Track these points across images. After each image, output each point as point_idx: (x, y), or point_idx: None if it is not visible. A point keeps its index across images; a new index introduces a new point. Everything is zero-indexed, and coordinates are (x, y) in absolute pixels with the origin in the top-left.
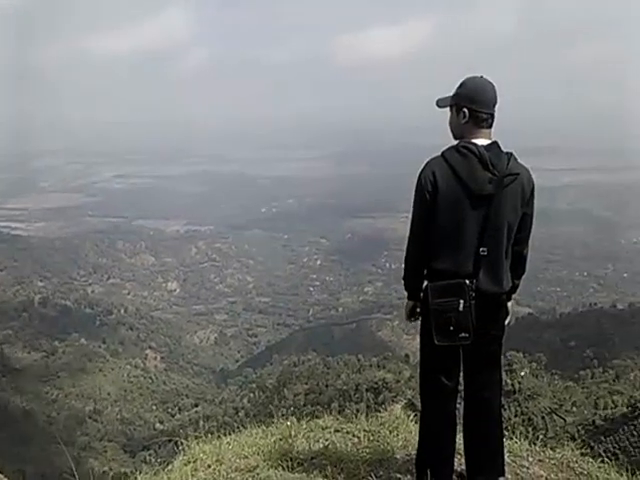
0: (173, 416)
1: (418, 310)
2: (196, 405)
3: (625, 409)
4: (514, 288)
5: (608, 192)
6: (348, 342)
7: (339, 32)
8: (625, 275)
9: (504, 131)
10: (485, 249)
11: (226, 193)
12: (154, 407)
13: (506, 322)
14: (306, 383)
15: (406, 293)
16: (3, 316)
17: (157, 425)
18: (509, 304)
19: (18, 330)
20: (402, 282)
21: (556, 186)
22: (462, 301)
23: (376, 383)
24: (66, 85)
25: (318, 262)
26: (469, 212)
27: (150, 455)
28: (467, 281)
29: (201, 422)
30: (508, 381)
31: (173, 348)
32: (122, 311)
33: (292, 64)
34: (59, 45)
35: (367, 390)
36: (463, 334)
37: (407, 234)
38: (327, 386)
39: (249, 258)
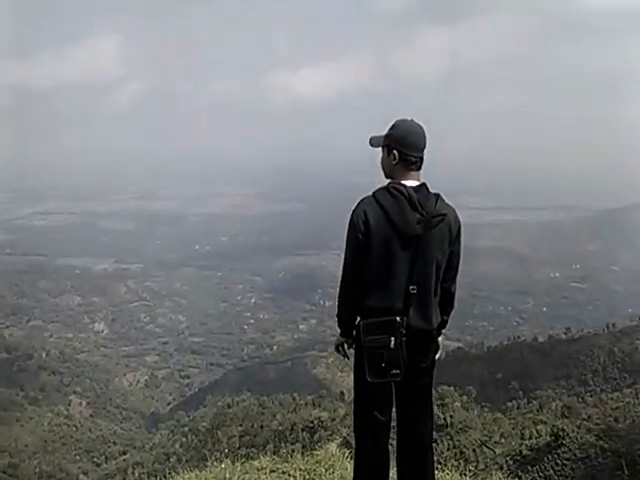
0: (99, 466)
1: (346, 346)
2: (124, 452)
3: (549, 438)
4: (443, 324)
5: (526, 230)
6: (283, 381)
7: (274, 69)
8: (544, 309)
9: (432, 172)
10: (415, 287)
11: (157, 230)
12: (78, 457)
13: (437, 356)
14: (241, 425)
15: (339, 330)
16: None
17: (81, 477)
18: (440, 339)
19: None
20: (335, 319)
21: (479, 224)
22: (393, 338)
23: (312, 422)
24: None
25: (252, 300)
26: (399, 252)
27: None
28: (398, 318)
29: (129, 470)
30: (440, 415)
31: (100, 392)
32: (43, 355)
33: (224, 101)
34: None
35: (303, 430)
36: (394, 371)
37: (340, 272)
38: (262, 427)
39: (181, 297)
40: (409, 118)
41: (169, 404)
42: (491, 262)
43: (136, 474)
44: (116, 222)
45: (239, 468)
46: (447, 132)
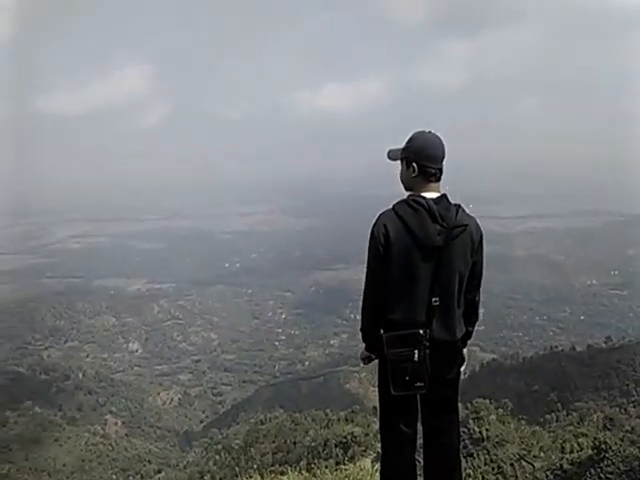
0: None
1: (373, 357)
2: (159, 471)
3: (590, 451)
4: (468, 335)
5: (561, 237)
6: (315, 396)
7: (295, 88)
8: (582, 318)
9: (460, 180)
10: (437, 299)
11: (186, 249)
12: (114, 476)
13: (462, 368)
14: (274, 441)
15: (363, 344)
16: None
17: None
18: (464, 350)
19: None
20: (359, 333)
21: (512, 233)
22: (417, 351)
23: (345, 437)
24: (19, 144)
25: (283, 316)
26: (420, 264)
27: None
28: (421, 331)
29: None
30: (475, 429)
31: (135, 412)
32: (80, 375)
33: (249, 120)
34: (17, 105)
35: (336, 446)
36: (419, 383)
37: (363, 286)
38: (295, 443)
39: (213, 315)
40: (427, 130)
41: (202, 422)
42: (525, 270)
43: None
44: (147, 242)
45: None
46: (474, 141)
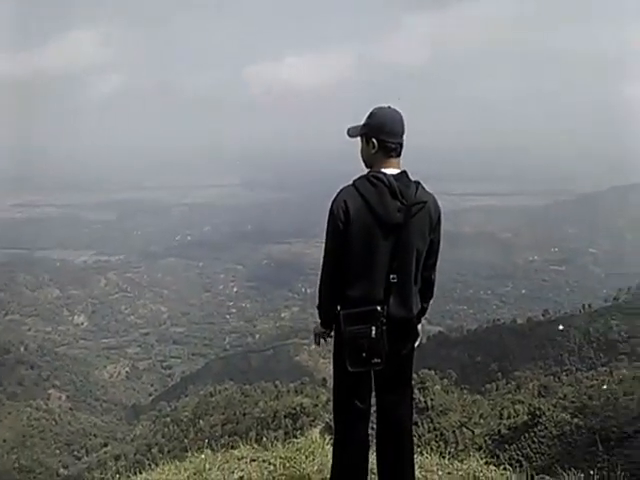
0: (79, 459)
1: (326, 337)
2: (105, 445)
3: (526, 417)
4: (423, 311)
5: (508, 215)
6: (266, 369)
7: (258, 60)
8: (523, 292)
9: (415, 158)
10: (395, 276)
11: (138, 222)
12: (57, 451)
13: (416, 344)
14: (223, 413)
15: (319, 320)
16: None
17: (61, 470)
18: (419, 326)
19: None
20: (316, 310)
21: (460, 209)
22: (374, 328)
23: (294, 409)
24: None
25: (234, 289)
26: (379, 241)
27: None
28: (378, 308)
29: (110, 463)
30: (421, 398)
31: (80, 385)
32: (22, 349)
33: (207, 92)
34: None
35: (285, 417)
36: (375, 360)
37: (321, 262)
38: (244, 415)
39: (163, 287)
40: (386, 105)
41: (151, 395)
42: (473, 247)
43: (116, 467)
44: (97, 214)
45: (219, 458)
46: (434, 117)
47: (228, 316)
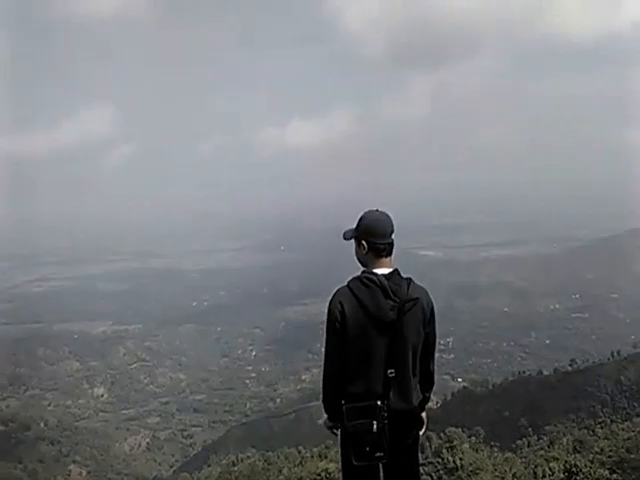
0: None
1: (336, 431)
2: None
3: (562, 475)
4: (425, 400)
5: (523, 264)
6: (288, 434)
7: (260, 124)
8: (547, 342)
9: (425, 211)
10: (393, 371)
11: (153, 289)
12: None
13: (421, 432)
14: None
15: (326, 415)
16: None
17: None
18: (423, 414)
19: None
20: (322, 404)
21: (475, 261)
22: (375, 422)
23: (319, 475)
24: None
25: (253, 353)
26: (375, 338)
27: None
28: (379, 402)
29: None
30: (449, 458)
31: (100, 460)
32: (42, 425)
33: (214, 159)
34: None
35: None
36: (378, 454)
37: (322, 360)
38: None
39: (181, 355)
40: (375, 208)
41: (172, 466)
42: (490, 298)
43: None
44: (113, 283)
45: None
46: (439, 169)
47: (248, 381)
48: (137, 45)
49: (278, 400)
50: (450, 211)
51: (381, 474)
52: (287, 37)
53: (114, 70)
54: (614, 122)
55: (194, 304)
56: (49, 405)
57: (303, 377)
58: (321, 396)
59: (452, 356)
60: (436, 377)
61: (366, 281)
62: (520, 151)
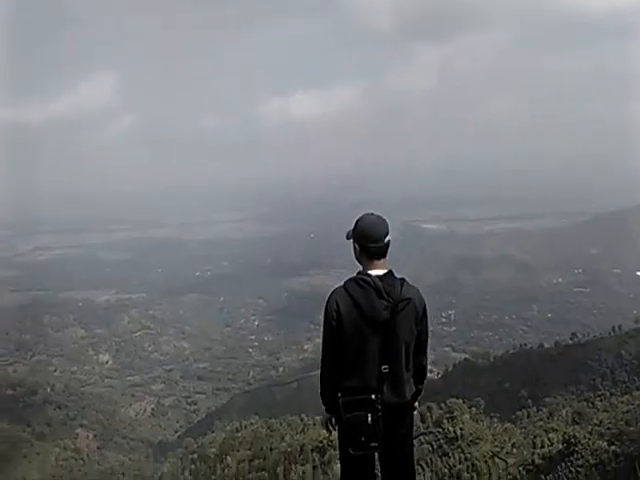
0: None
1: (333, 422)
2: None
3: (561, 446)
4: (418, 392)
5: (527, 238)
6: (290, 402)
7: (265, 95)
8: (549, 315)
9: (429, 184)
10: (386, 367)
11: (156, 259)
12: None
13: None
14: (250, 449)
15: (324, 407)
16: None
17: None
18: (416, 404)
19: None
20: (320, 398)
21: (478, 234)
22: (370, 414)
23: (321, 442)
24: None
25: (256, 323)
26: (370, 336)
27: None
28: (373, 396)
29: None
30: (450, 428)
31: (107, 424)
32: (49, 389)
33: (218, 130)
34: None
35: (312, 450)
36: (373, 444)
37: (320, 355)
38: (271, 450)
39: (185, 324)
40: (370, 212)
41: (177, 432)
42: (494, 271)
43: None
44: (116, 253)
45: None
46: (444, 142)
47: (251, 350)
48: (140, 13)
49: (280, 369)
50: (454, 184)
51: (377, 463)
52: (291, 8)
53: (117, 38)
54: (629, 96)
55: (197, 274)
56: (55, 371)
57: (305, 347)
58: (319, 389)
59: (454, 329)
60: (437, 349)
61: (361, 282)
62: (528, 124)
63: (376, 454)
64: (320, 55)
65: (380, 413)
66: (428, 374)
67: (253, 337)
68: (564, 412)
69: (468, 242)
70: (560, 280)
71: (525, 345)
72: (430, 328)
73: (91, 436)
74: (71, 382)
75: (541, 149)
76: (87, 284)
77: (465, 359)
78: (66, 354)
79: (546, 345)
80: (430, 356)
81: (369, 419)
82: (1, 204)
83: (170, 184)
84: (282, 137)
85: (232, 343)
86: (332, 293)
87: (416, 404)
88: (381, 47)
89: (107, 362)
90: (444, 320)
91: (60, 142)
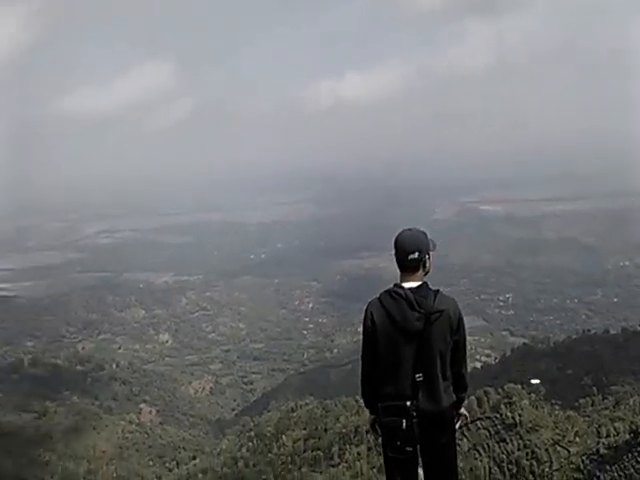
0: (171, 470)
1: (376, 425)
2: (194, 458)
3: (627, 436)
4: (459, 401)
5: (590, 219)
6: (345, 384)
7: (314, 79)
8: (615, 300)
9: (488, 165)
10: (420, 375)
11: (212, 242)
12: (151, 462)
13: (457, 426)
14: (305, 428)
15: (367, 410)
16: None
17: None
18: (462, 410)
19: (8, 392)
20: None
21: (539, 216)
22: (404, 420)
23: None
24: (47, 144)
25: (310, 305)
26: (403, 346)
27: None
28: (408, 403)
29: (200, 475)
30: (508, 414)
31: (168, 400)
32: (114, 366)
33: (268, 112)
34: (40, 104)
35: (367, 432)
36: (408, 448)
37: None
38: (326, 430)
39: (240, 305)
40: (408, 228)
41: (234, 410)
42: (555, 254)
43: (206, 478)
44: (173, 236)
45: None
46: (501, 123)
47: (305, 332)
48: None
49: (335, 350)
50: (511, 165)
51: (420, 470)
52: None
53: (177, 23)
54: None
55: (252, 256)
56: (119, 348)
57: (359, 329)
58: (360, 393)
59: (511, 312)
60: (495, 333)
61: (393, 294)
62: (591, 101)
63: (420, 460)
64: (368, 36)
65: (415, 420)
66: (485, 358)
67: (307, 319)
68: (631, 401)
69: (527, 224)
70: (627, 263)
71: (589, 331)
72: (487, 311)
73: (154, 411)
74: (134, 360)
75: (605, 126)
76: (147, 266)
77: (524, 344)
78: (129, 333)
79: (612, 331)
80: (487, 340)
81: (404, 425)
82: (69, 189)
83: (227, 168)
84: (335, 119)
85: (287, 325)
86: (368, 304)
87: (462, 410)
88: (433, 25)
89: (167, 341)
90: (501, 304)
91: (121, 128)
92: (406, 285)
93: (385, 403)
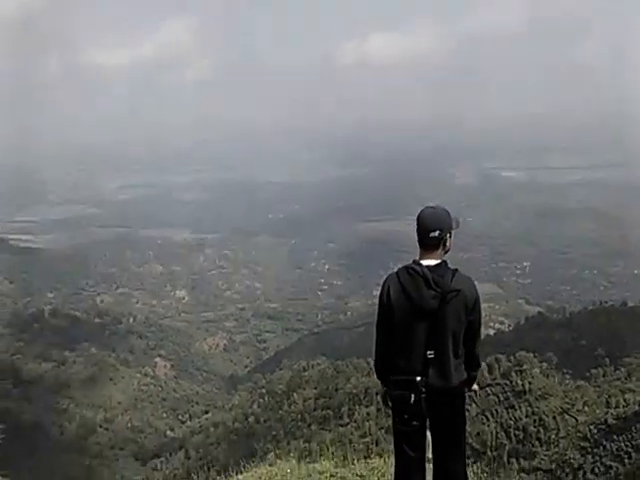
0: (183, 423)
1: (387, 397)
2: (206, 412)
3: (637, 407)
4: (471, 379)
5: (614, 189)
6: (357, 346)
7: (341, 38)
8: (636, 272)
9: (511, 131)
10: (432, 352)
11: (230, 200)
12: (164, 414)
13: (472, 388)
14: (316, 387)
15: (379, 381)
16: (14, 328)
17: (168, 432)
18: (474, 387)
19: (29, 341)
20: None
21: (562, 184)
22: (413, 395)
23: None
24: (68, 98)
25: (326, 267)
26: (417, 323)
27: (161, 462)
28: (418, 378)
29: (211, 429)
30: (518, 381)
31: (182, 355)
32: (131, 320)
33: (292, 69)
34: (60, 58)
35: (377, 393)
36: (415, 422)
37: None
38: (337, 390)
39: (257, 264)
40: (431, 204)
41: (247, 367)
42: (576, 223)
43: (217, 434)
44: (192, 194)
45: (303, 469)
46: (523, 87)
47: (320, 293)
48: None
49: (349, 313)
50: (536, 131)
51: (429, 441)
52: None
53: None
54: None
55: (270, 216)
56: (137, 303)
57: (374, 292)
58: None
59: (528, 281)
60: (510, 301)
61: (411, 271)
62: (619, 70)
63: (428, 433)
64: None
65: (424, 395)
66: (499, 325)
67: (323, 280)
68: None
69: (549, 192)
70: None
71: (606, 302)
72: (504, 279)
73: (168, 365)
74: (151, 314)
75: (632, 95)
76: (165, 223)
77: (539, 312)
78: (146, 288)
79: (630, 303)
80: (502, 307)
81: (412, 399)
82: (88, 145)
83: (247, 126)
84: (358, 80)
85: (302, 285)
86: (386, 279)
87: (475, 387)
88: None
89: (183, 298)
90: (519, 272)
91: (139, 84)
92: (424, 262)
93: (396, 377)
